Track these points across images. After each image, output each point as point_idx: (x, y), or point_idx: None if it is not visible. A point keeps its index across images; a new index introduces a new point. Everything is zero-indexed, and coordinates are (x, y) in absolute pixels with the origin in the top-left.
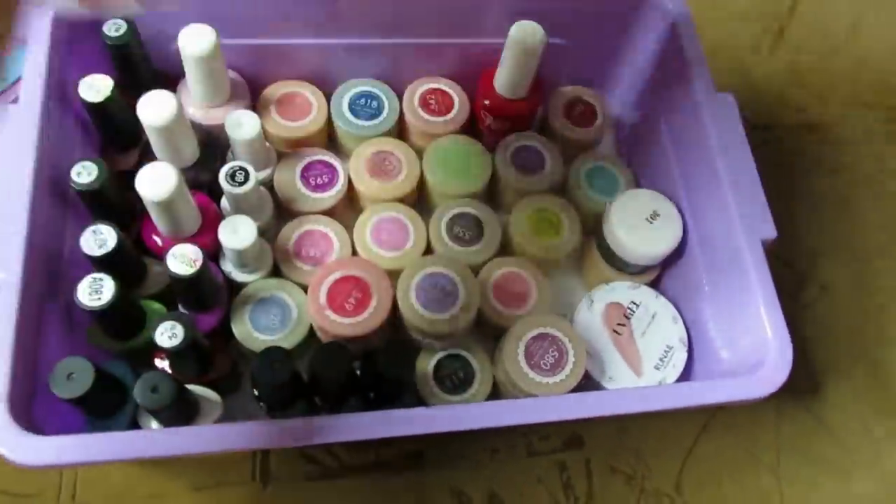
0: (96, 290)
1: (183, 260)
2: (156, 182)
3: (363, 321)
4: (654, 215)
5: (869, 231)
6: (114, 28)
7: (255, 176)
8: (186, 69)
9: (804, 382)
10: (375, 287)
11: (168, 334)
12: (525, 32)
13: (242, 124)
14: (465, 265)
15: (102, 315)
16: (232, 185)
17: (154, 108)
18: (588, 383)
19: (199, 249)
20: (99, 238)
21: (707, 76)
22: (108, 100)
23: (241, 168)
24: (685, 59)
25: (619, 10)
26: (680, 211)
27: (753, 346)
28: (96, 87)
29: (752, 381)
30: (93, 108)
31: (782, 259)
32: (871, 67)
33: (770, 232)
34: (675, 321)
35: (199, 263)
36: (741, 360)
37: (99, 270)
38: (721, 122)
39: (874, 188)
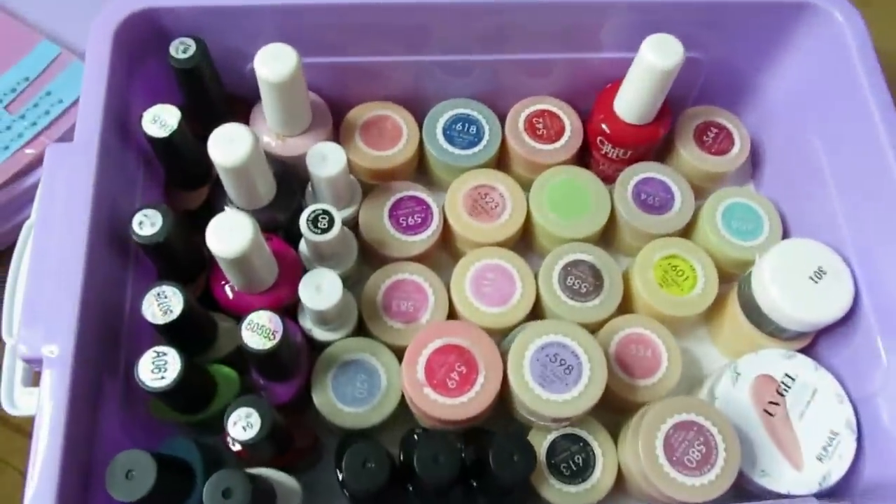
0: (160, 368)
1: (260, 332)
2: (228, 237)
3: (468, 403)
4: (820, 272)
5: None
6: (181, 49)
7: (339, 221)
8: (263, 96)
9: None
10: (482, 359)
11: (242, 424)
12: (661, 50)
13: (327, 159)
14: (588, 332)
15: (167, 393)
16: (314, 232)
17: (226, 147)
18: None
19: (278, 319)
20: (163, 303)
21: (887, 96)
22: (174, 134)
23: (325, 212)
24: (857, 75)
25: (770, 19)
26: (848, 265)
27: None
28: (162, 120)
29: None
30: (158, 143)
31: None
32: None
33: None
34: (841, 400)
35: (278, 335)
36: None
37: (163, 337)
38: None
39: None
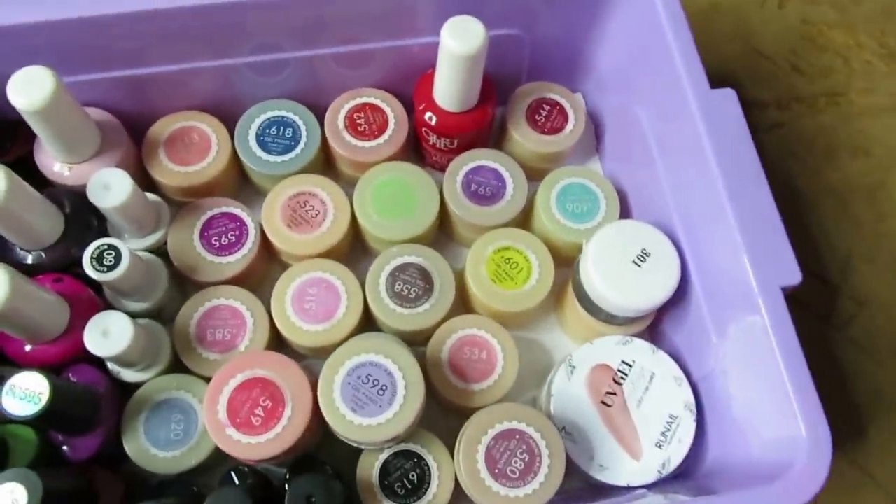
0: None
1: (23, 396)
2: None
3: (275, 439)
4: (643, 255)
5: None
6: None
7: (128, 255)
8: (30, 125)
9: (844, 426)
10: (288, 389)
11: (8, 501)
12: (460, 35)
13: (109, 188)
14: (402, 348)
15: None
16: (100, 270)
17: None
18: (572, 468)
19: (44, 379)
20: None
21: (699, 69)
22: None
23: (111, 247)
24: (670, 50)
25: None
26: (676, 244)
27: (780, 436)
28: None
29: (774, 491)
30: None
31: (809, 269)
32: None
33: (792, 277)
34: (680, 383)
35: (45, 398)
36: (764, 439)
37: None
38: (721, 132)
39: None
